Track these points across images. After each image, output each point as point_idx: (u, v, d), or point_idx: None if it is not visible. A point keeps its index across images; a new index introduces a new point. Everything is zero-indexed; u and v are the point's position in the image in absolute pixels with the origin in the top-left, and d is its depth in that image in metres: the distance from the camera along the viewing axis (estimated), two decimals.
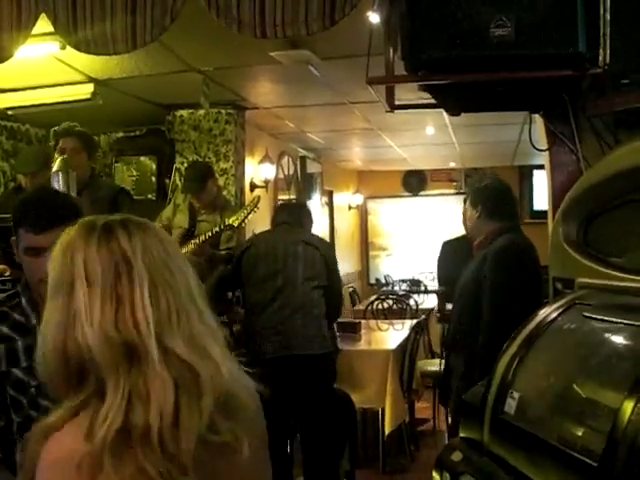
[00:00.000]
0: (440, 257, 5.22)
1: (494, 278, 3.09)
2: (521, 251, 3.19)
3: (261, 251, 4.21)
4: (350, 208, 11.17)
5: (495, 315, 3.05)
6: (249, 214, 4.62)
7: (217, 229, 4.60)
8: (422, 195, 11.31)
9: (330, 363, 4.12)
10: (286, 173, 8.03)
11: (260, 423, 1.26)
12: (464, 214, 3.47)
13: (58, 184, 3.22)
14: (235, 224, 4.57)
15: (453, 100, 2.48)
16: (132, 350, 1.06)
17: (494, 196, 3.29)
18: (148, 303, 1.09)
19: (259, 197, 4.81)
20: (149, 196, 6.09)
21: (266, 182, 6.99)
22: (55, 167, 3.28)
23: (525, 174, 10.69)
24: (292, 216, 4.48)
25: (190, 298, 1.16)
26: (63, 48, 3.45)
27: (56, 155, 3.67)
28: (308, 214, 4.64)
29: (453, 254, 4.86)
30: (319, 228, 9.22)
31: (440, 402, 4.47)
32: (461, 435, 2.01)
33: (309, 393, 3.98)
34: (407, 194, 11.41)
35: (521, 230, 3.36)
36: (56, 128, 3.94)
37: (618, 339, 1.70)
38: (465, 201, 3.42)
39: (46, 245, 1.91)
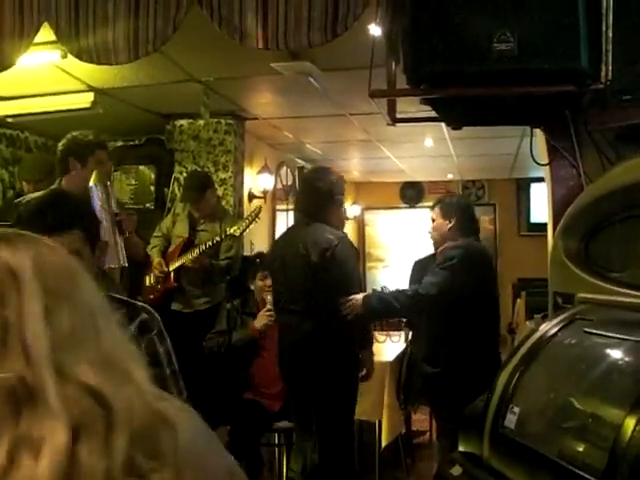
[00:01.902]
0: (411, 275, 5.29)
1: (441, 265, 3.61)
2: (474, 250, 3.72)
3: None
4: (347, 219, 11.16)
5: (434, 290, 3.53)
6: (250, 224, 4.62)
7: (218, 238, 4.60)
8: (419, 207, 11.31)
9: None
10: (284, 183, 8.04)
11: (209, 461, 0.98)
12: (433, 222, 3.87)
13: (98, 196, 3.23)
14: (236, 234, 4.58)
15: (455, 114, 2.48)
16: (21, 388, 0.81)
17: (466, 213, 3.77)
18: (41, 320, 0.85)
19: (260, 207, 4.80)
20: (148, 205, 6.09)
21: (264, 192, 7.00)
22: (92, 180, 3.28)
23: (522, 187, 10.71)
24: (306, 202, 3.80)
25: (102, 313, 0.94)
26: (64, 57, 3.45)
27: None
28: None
29: (422, 272, 5.09)
30: None
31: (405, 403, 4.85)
32: (460, 449, 2.01)
33: None
34: (404, 206, 11.41)
35: (478, 241, 3.92)
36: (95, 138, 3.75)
37: (619, 355, 1.70)
38: (436, 213, 3.84)
39: None
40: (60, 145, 3.61)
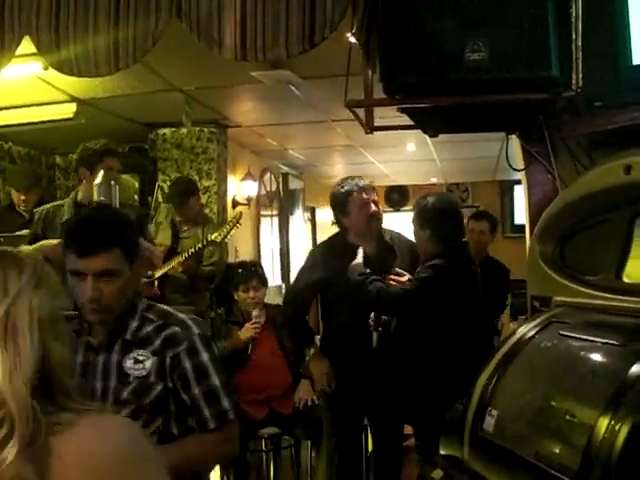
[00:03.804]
0: None
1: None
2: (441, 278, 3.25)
3: None
4: (333, 224, 11.14)
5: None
6: (231, 229, 4.65)
7: (200, 245, 4.63)
8: (404, 210, 11.37)
9: None
10: (268, 189, 8.06)
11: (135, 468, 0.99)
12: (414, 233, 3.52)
13: (100, 196, 3.26)
14: (218, 240, 4.61)
15: (431, 122, 2.52)
16: None
17: (441, 219, 3.34)
18: None
19: (241, 213, 4.82)
20: None
21: (248, 199, 7.02)
22: (98, 180, 3.31)
23: (506, 189, 10.80)
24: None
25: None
26: (46, 69, 3.47)
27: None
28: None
29: None
30: (302, 244, 9.26)
31: None
32: (442, 452, 2.04)
33: None
34: (389, 209, 11.47)
35: (463, 248, 3.48)
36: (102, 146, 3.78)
37: (593, 357, 1.73)
38: (413, 221, 3.47)
39: (88, 270, 1.91)
40: (74, 156, 3.74)
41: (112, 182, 3.35)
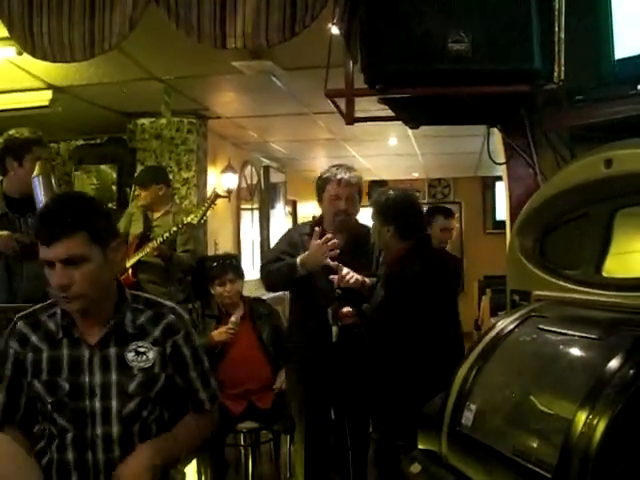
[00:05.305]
0: None
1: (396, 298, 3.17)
2: (421, 275, 3.18)
3: None
4: (314, 218, 11.14)
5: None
6: (207, 210, 4.60)
7: (175, 228, 4.57)
8: None
9: None
10: (249, 182, 8.01)
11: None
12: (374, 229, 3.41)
13: (39, 187, 3.19)
14: (194, 222, 4.55)
15: (412, 113, 2.50)
16: None
17: (404, 214, 3.25)
18: None
19: (216, 194, 4.75)
20: (110, 205, 6.03)
21: (229, 192, 6.97)
22: (35, 171, 3.24)
23: (488, 185, 10.84)
24: None
25: None
26: (20, 54, 3.40)
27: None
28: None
29: None
30: None
31: None
32: (420, 447, 2.02)
33: None
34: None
35: (428, 244, 3.42)
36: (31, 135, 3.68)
37: (572, 352, 1.72)
38: (373, 217, 3.36)
39: (55, 257, 1.90)
40: None
41: (50, 173, 3.30)
